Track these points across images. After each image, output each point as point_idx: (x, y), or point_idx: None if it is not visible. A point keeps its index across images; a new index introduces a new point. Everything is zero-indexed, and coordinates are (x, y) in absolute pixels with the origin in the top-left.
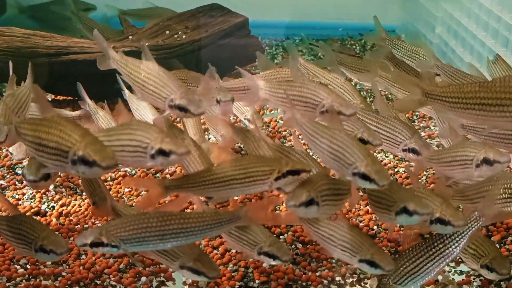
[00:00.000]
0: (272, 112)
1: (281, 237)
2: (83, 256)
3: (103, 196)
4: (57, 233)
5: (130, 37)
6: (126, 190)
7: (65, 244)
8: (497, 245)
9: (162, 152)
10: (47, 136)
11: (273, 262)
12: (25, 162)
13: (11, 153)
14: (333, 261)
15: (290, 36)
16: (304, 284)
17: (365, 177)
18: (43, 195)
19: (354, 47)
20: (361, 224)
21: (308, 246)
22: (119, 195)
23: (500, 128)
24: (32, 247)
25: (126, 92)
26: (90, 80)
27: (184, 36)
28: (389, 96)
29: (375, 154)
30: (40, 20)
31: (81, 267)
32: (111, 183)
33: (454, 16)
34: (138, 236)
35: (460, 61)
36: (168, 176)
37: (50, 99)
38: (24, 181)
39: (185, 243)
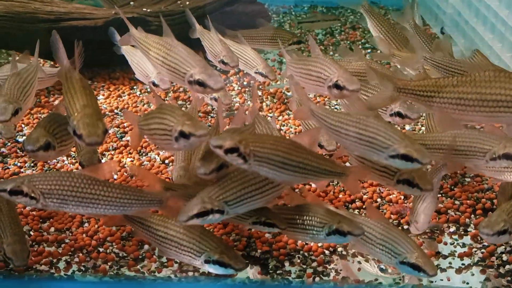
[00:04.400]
0: (278, 83)
1: None
2: (86, 224)
3: (88, 158)
4: None
5: (131, 2)
6: (128, 160)
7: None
8: None
9: (182, 134)
10: (65, 95)
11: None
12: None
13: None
14: None
15: (299, 3)
16: (306, 254)
17: (406, 157)
18: (45, 164)
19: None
20: (364, 197)
21: None
22: (121, 164)
23: (479, 123)
24: None
25: (123, 46)
26: (91, 47)
27: (187, 2)
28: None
29: None
30: None
31: (84, 235)
32: (112, 152)
33: None
34: (58, 192)
35: (473, 31)
36: None
37: (48, 66)
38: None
39: (105, 213)
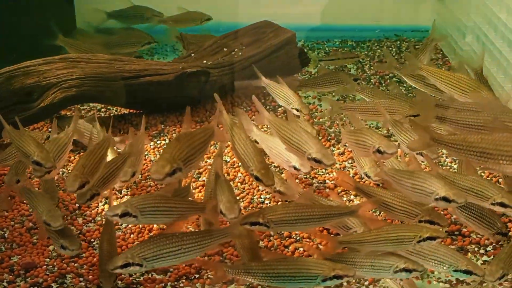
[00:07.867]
0: (321, 120)
1: None
2: None
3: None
4: None
5: (192, 54)
6: None
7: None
8: None
9: (315, 160)
10: None
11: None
12: None
13: None
14: None
15: (331, 38)
16: None
17: (446, 199)
18: None
19: (390, 48)
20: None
21: None
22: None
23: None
24: None
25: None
26: (162, 97)
27: (240, 53)
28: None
29: None
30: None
31: (184, 264)
32: (194, 191)
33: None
34: (149, 209)
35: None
36: None
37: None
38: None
39: (176, 220)
